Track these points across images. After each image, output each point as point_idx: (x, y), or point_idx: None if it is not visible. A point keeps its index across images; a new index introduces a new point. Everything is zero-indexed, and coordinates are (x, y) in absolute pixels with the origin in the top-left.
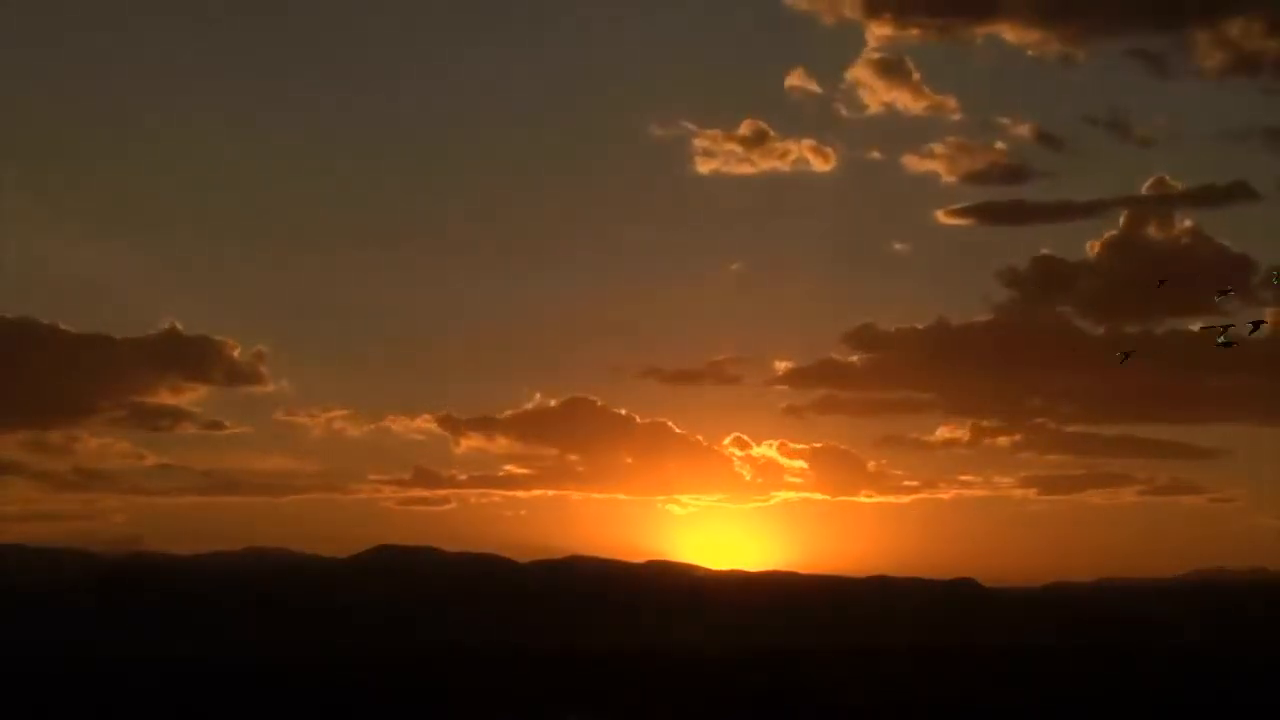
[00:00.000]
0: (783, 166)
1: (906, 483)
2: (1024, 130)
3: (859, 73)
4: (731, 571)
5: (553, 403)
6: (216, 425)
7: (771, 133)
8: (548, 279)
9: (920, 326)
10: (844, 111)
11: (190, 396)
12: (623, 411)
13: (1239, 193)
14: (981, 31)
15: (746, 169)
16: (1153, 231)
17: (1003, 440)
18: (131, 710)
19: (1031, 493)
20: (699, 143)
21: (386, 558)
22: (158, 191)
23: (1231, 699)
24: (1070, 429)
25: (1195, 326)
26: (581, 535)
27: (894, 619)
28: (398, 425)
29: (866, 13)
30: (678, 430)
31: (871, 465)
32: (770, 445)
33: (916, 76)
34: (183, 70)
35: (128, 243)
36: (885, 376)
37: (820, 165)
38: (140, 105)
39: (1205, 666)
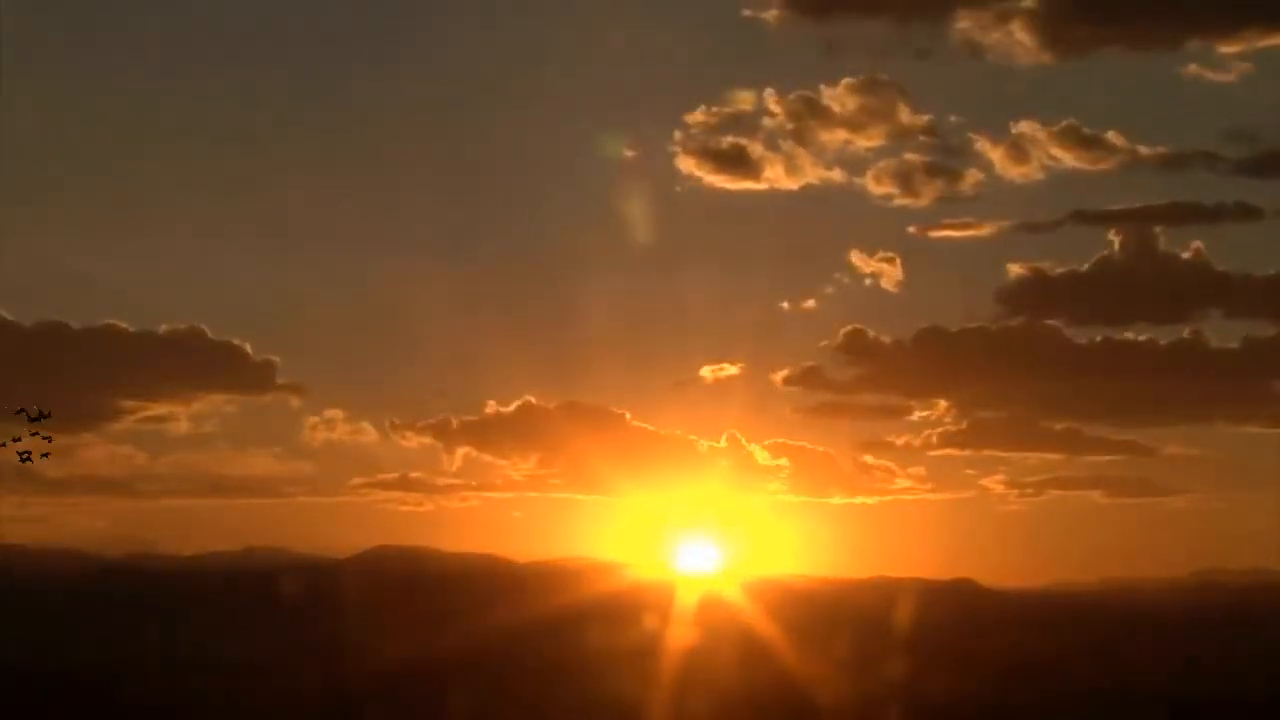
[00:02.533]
0: (762, 185)
1: (895, 484)
2: (1000, 150)
3: (838, 90)
4: (727, 574)
5: (550, 405)
6: (218, 428)
7: (751, 150)
8: (540, 286)
9: (908, 334)
10: (823, 129)
11: (194, 400)
12: (618, 413)
13: (1211, 212)
14: (957, 52)
15: (729, 185)
16: (1133, 247)
17: (990, 444)
18: (132, 709)
19: (1013, 493)
20: (682, 160)
21: (384, 557)
22: (159, 193)
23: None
24: (1059, 427)
25: (1181, 334)
26: (578, 537)
27: (891, 619)
28: (396, 428)
29: (842, 33)
30: (670, 433)
31: (864, 467)
32: (762, 448)
33: (895, 95)
34: (191, 72)
35: (131, 243)
36: (875, 382)
37: (799, 182)
38: (142, 104)
39: (1201, 667)
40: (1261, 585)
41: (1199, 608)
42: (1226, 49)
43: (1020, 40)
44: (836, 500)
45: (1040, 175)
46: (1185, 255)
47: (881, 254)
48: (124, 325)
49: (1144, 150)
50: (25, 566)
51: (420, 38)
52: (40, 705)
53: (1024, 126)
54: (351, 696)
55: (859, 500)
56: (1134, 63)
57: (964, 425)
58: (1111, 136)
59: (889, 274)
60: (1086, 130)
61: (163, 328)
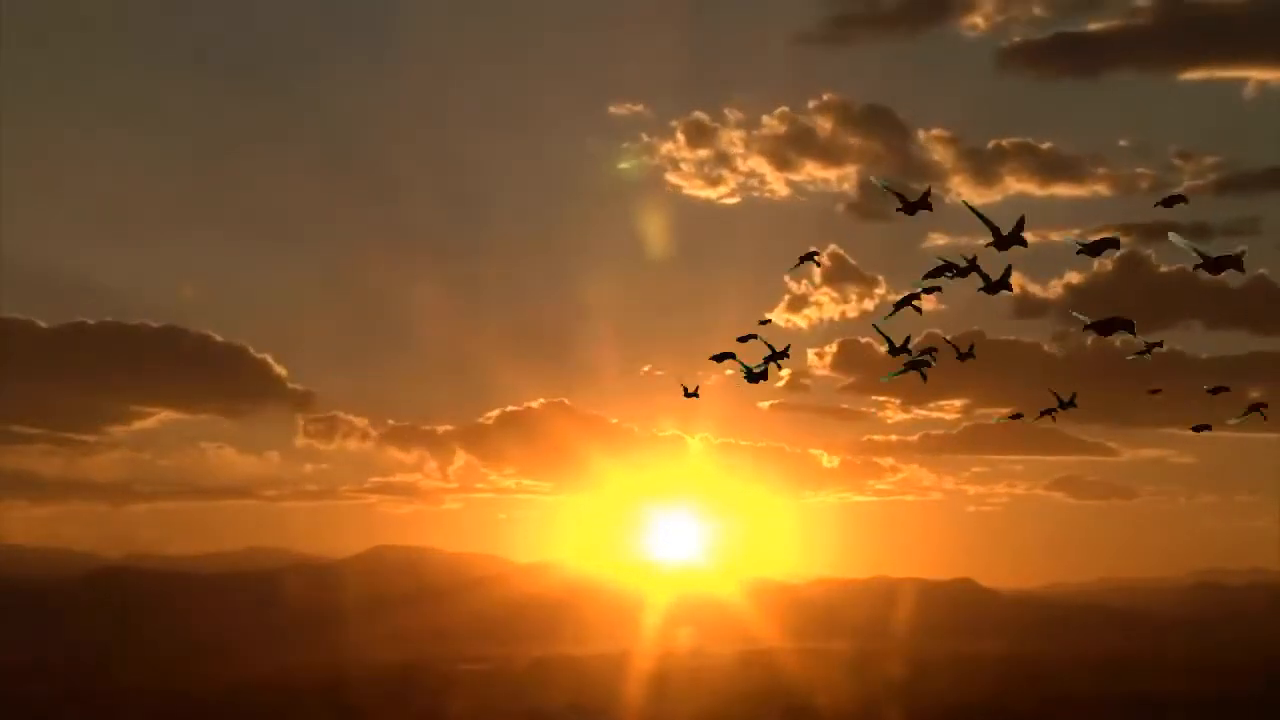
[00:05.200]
0: (750, 191)
1: (894, 486)
2: (981, 167)
3: (827, 99)
4: (723, 573)
5: (545, 409)
6: (224, 431)
7: (739, 159)
8: (533, 289)
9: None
10: (806, 141)
11: (195, 404)
12: (604, 416)
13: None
14: (943, 75)
15: (721, 192)
16: (1114, 261)
17: (987, 447)
18: (132, 708)
19: (1013, 494)
20: (672, 175)
21: (384, 558)
22: (161, 195)
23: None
24: (1046, 426)
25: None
26: (576, 537)
27: (888, 618)
28: (394, 431)
29: (827, 45)
30: (661, 434)
31: (860, 469)
32: (752, 448)
33: (881, 115)
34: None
35: (134, 244)
36: (865, 386)
37: (784, 191)
38: (150, 107)
39: (1196, 667)
40: (1259, 585)
41: (1196, 607)
42: (1190, 76)
43: (1006, 65)
44: (832, 501)
45: (1016, 194)
46: (1164, 270)
47: (871, 267)
48: (151, 324)
49: (1110, 170)
50: (26, 568)
51: (420, 39)
52: (41, 700)
53: (1003, 145)
54: (352, 693)
55: (858, 500)
56: (1108, 89)
57: (958, 429)
58: (1081, 158)
59: (884, 284)
60: (1064, 153)
61: (171, 332)
